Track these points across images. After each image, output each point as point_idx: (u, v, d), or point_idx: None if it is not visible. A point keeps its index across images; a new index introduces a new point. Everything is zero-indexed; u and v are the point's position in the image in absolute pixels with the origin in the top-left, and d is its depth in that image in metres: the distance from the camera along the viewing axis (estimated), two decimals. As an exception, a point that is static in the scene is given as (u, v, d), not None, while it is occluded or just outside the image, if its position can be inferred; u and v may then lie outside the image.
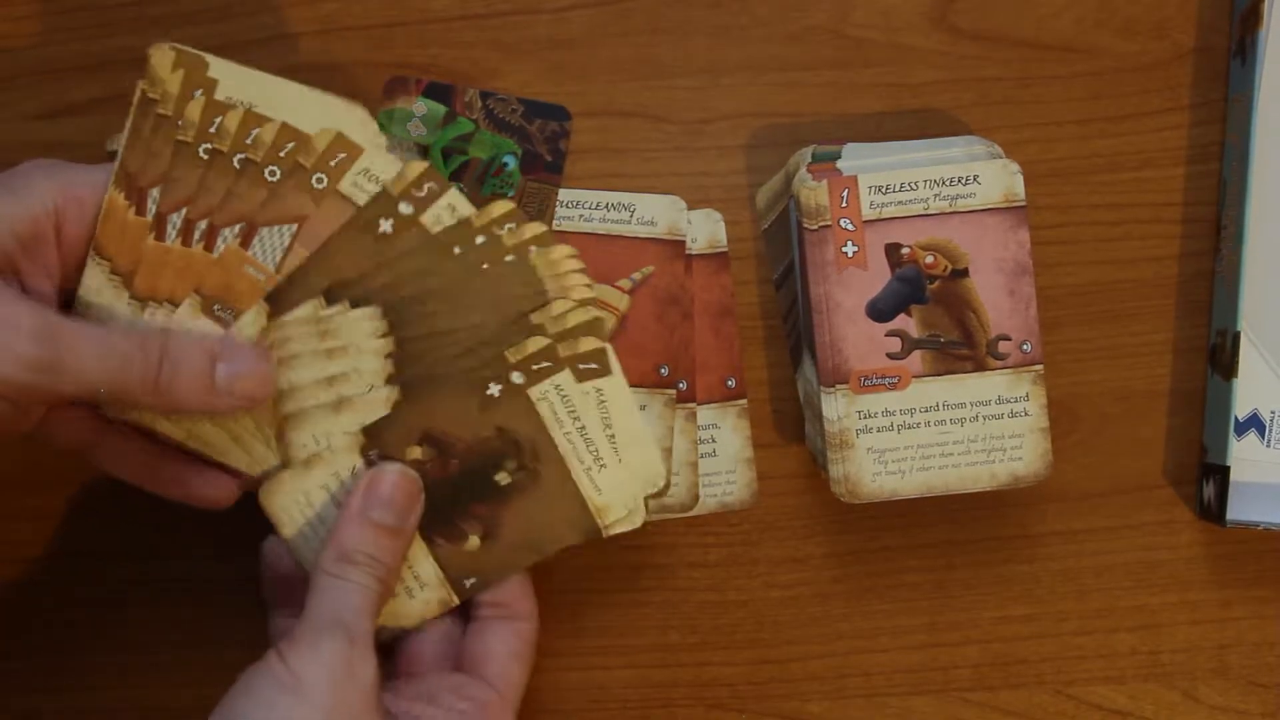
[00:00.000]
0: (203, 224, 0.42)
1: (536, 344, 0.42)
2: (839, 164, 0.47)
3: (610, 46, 0.50)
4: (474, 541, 0.42)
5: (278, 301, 0.42)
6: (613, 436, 0.43)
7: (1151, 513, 0.50)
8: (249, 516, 0.50)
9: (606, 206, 0.49)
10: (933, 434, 0.46)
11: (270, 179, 0.42)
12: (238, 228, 0.42)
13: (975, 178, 0.45)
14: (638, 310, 0.48)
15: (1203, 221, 0.50)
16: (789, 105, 0.50)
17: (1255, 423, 0.49)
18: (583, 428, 0.43)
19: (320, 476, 0.42)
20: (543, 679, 0.49)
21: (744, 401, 0.49)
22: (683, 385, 0.49)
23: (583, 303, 0.43)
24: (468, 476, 0.42)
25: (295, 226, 0.42)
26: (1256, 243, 0.48)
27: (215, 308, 0.42)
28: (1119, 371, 0.50)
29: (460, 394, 0.42)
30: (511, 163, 0.49)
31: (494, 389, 0.42)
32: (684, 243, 0.49)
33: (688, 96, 0.50)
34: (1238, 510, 0.48)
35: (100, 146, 0.45)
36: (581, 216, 0.49)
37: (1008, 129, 0.50)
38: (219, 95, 0.42)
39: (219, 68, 0.42)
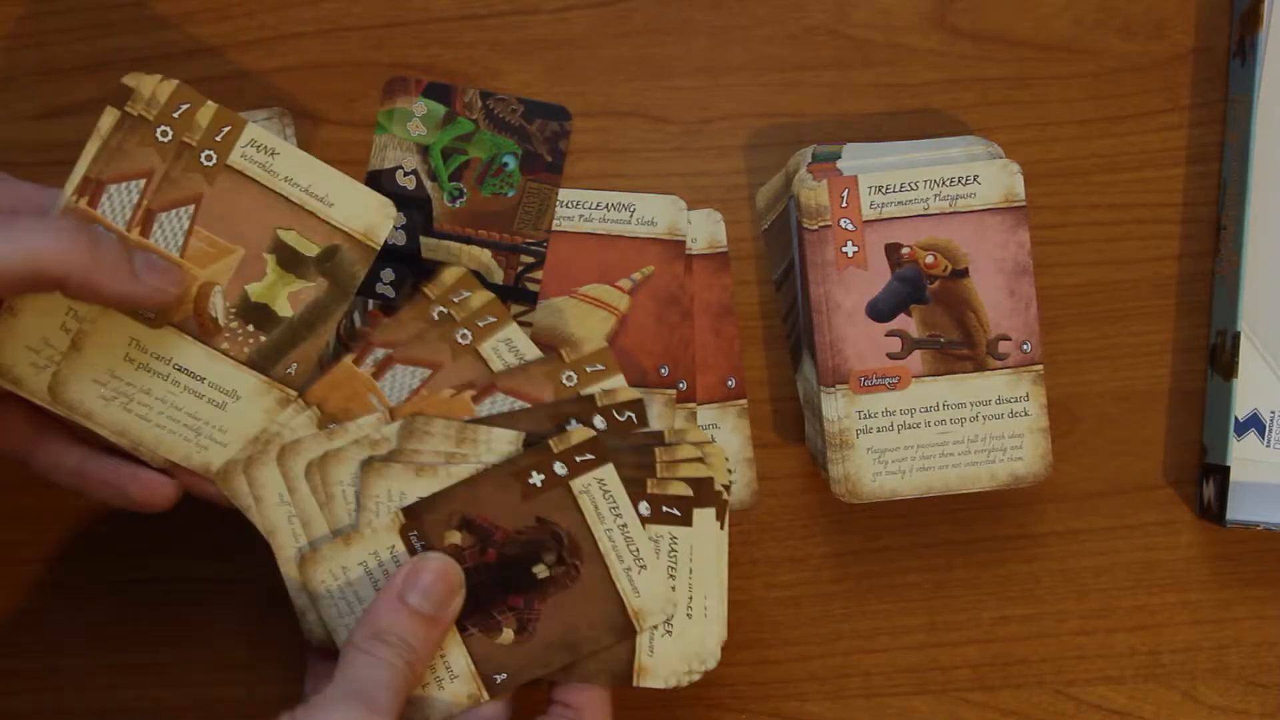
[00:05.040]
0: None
1: (581, 435, 0.42)
2: (839, 164, 0.47)
3: (610, 46, 0.50)
4: (507, 635, 0.42)
5: None
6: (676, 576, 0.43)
7: (1151, 513, 0.50)
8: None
9: (606, 206, 0.49)
10: (933, 434, 0.46)
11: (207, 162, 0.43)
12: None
13: (975, 178, 0.45)
14: (638, 310, 0.48)
15: (1203, 222, 0.50)
16: (789, 105, 0.50)
17: (1255, 423, 0.49)
18: (624, 525, 0.42)
19: (359, 554, 0.42)
20: (543, 679, 0.49)
21: (744, 401, 0.49)
22: (683, 385, 0.49)
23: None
24: (505, 566, 0.42)
25: (191, 208, 0.42)
26: (1256, 243, 0.48)
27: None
28: (1119, 371, 0.50)
29: (503, 481, 0.42)
30: (511, 163, 0.49)
31: (536, 478, 0.42)
32: (684, 243, 0.49)
33: (688, 96, 0.50)
34: (1238, 510, 0.49)
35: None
36: (581, 216, 0.49)
37: (1008, 129, 0.50)
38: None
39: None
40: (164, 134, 0.42)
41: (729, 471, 0.43)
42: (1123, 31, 0.50)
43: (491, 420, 0.43)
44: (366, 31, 0.49)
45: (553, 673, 0.42)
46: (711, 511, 0.43)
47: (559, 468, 0.42)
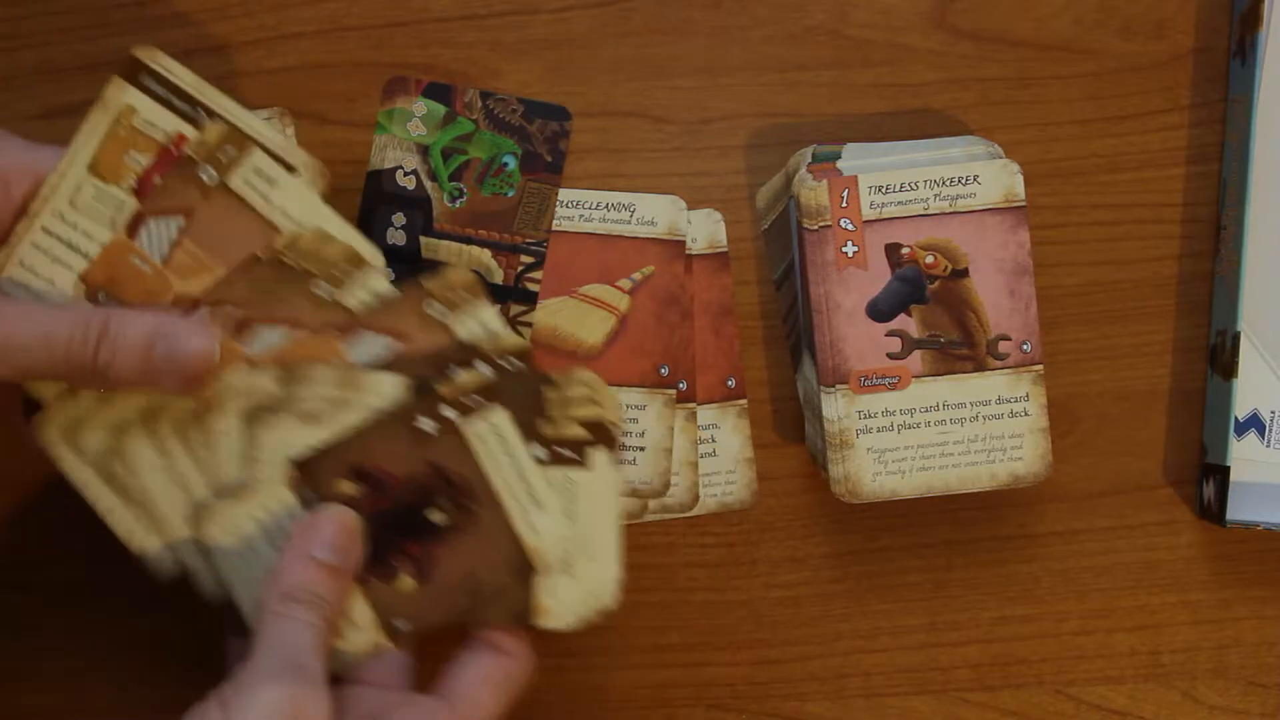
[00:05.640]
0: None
1: (471, 378, 0.41)
2: (839, 164, 0.47)
3: (610, 46, 0.50)
4: (407, 582, 0.41)
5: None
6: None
7: (1151, 513, 0.50)
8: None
9: (606, 206, 0.49)
10: (933, 434, 0.46)
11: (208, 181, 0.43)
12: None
13: (975, 178, 0.45)
14: (638, 310, 0.48)
15: (1203, 222, 0.50)
16: (789, 105, 0.50)
17: (1255, 423, 0.49)
18: (519, 467, 0.42)
19: (251, 509, 0.41)
20: (543, 680, 0.49)
21: (744, 401, 0.49)
22: (683, 385, 0.49)
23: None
24: (400, 513, 0.41)
25: (181, 219, 0.42)
26: (1256, 243, 0.48)
27: (100, 295, 0.42)
28: (1119, 371, 0.50)
29: (393, 428, 0.41)
30: (511, 163, 0.49)
31: (426, 424, 0.41)
32: (684, 243, 0.49)
33: (688, 96, 0.50)
34: (1237, 510, 0.49)
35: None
36: (581, 216, 0.49)
37: (1008, 129, 0.50)
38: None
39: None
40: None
41: (621, 408, 0.42)
42: (1123, 31, 0.50)
43: (375, 365, 0.42)
44: (366, 31, 0.49)
45: (455, 617, 0.42)
46: (606, 452, 0.42)
47: (450, 413, 0.41)
